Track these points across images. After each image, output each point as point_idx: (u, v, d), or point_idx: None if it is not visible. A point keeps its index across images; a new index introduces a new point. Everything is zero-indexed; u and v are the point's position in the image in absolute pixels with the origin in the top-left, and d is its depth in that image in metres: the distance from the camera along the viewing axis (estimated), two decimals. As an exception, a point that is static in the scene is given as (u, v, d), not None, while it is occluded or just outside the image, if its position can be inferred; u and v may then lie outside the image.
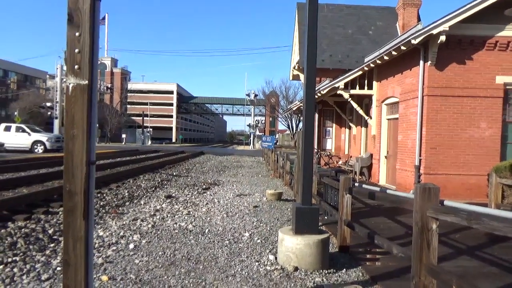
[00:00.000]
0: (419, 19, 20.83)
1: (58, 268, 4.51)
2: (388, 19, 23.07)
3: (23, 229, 6.16)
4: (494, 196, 6.99)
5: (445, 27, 9.62)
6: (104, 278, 4.30)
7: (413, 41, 9.96)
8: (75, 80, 2.38)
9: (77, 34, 2.38)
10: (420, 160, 10.62)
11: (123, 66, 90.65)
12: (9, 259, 4.81)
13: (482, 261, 5.40)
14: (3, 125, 27.25)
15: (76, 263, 2.42)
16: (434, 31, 9.70)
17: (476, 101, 10.49)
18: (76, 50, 2.38)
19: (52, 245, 5.56)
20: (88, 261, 2.47)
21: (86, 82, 2.38)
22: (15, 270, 4.47)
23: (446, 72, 10.45)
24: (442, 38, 9.76)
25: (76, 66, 2.38)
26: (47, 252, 5.23)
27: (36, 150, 26.16)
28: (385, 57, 11.92)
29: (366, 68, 13.82)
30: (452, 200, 3.90)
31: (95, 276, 4.32)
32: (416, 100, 10.80)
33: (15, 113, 49.78)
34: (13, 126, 27.41)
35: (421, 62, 10.52)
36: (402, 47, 10.66)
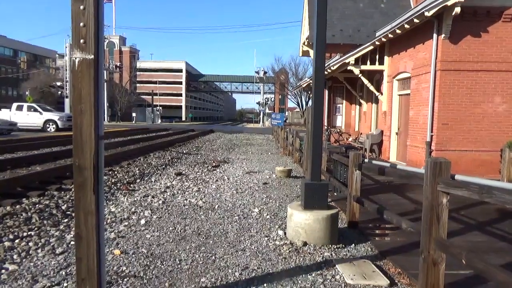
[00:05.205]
0: (433, -9, 20.15)
1: (72, 243, 4.62)
2: (401, -8, 22.35)
3: (37, 205, 6.30)
4: (507, 172, 6.92)
5: (461, -3, 9.28)
6: (117, 252, 4.39)
7: (426, 13, 9.66)
8: (81, 54, 2.36)
9: (81, 7, 2.35)
10: (431, 136, 10.48)
11: (132, 44, 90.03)
12: (25, 234, 4.94)
13: (492, 237, 5.39)
14: (15, 104, 27.57)
15: (88, 236, 2.47)
16: (449, 2, 9.36)
17: (491, 75, 10.23)
18: (81, 24, 2.35)
19: (65, 220, 5.68)
20: (99, 235, 2.51)
21: (92, 56, 2.36)
22: (31, 244, 4.59)
23: (460, 45, 10.16)
24: (457, 9, 9.43)
25: (81, 40, 2.36)
26: (61, 227, 5.35)
27: (48, 129, 26.50)
28: (397, 31, 11.62)
29: (377, 43, 13.51)
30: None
31: (107, 250, 4.42)
32: (428, 75, 10.57)
33: (27, 92, 50.30)
34: (25, 105, 27.71)
35: (435, 36, 10.23)
36: (415, 20, 10.36)
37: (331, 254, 4.53)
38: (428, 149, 10.46)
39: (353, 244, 4.89)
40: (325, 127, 18.30)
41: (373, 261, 4.28)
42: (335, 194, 7.81)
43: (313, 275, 3.93)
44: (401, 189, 8.50)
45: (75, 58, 2.36)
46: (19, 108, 27.04)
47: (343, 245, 4.82)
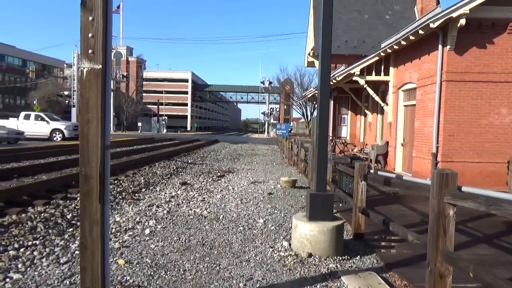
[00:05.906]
0: (438, 2, 20.25)
1: (77, 252, 4.62)
2: (406, 3, 22.50)
3: (42, 214, 6.31)
4: (514, 184, 6.83)
5: (465, 9, 9.31)
6: (121, 261, 4.38)
7: (431, 25, 9.70)
8: (89, 64, 2.39)
9: (90, 18, 2.38)
10: (437, 147, 10.43)
11: (138, 54, 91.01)
12: (29, 243, 4.94)
13: (500, 249, 5.31)
14: (23, 113, 27.83)
15: (93, 246, 2.47)
16: (454, 14, 9.40)
17: (497, 87, 10.19)
18: (90, 35, 2.38)
19: (70, 229, 5.69)
20: (104, 244, 2.51)
21: (100, 66, 2.39)
22: (35, 253, 4.59)
23: (465, 56, 10.16)
24: (462, 21, 9.46)
25: (90, 51, 2.39)
26: (66, 236, 5.35)
27: (54, 138, 26.68)
28: (403, 42, 11.65)
29: (382, 54, 13.55)
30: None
31: (112, 259, 4.41)
32: (434, 86, 10.56)
33: (34, 101, 50.73)
34: (32, 114, 27.96)
35: (440, 47, 10.24)
36: (420, 31, 10.39)
37: (336, 266, 4.48)
38: (434, 161, 10.40)
39: (358, 256, 4.85)
40: (330, 138, 18.27)
41: (379, 273, 4.24)
42: (340, 205, 7.77)
43: (318, 286, 3.89)
44: (407, 200, 8.43)
45: (83, 68, 2.39)
46: (27, 117, 27.29)
47: (349, 257, 4.78)
